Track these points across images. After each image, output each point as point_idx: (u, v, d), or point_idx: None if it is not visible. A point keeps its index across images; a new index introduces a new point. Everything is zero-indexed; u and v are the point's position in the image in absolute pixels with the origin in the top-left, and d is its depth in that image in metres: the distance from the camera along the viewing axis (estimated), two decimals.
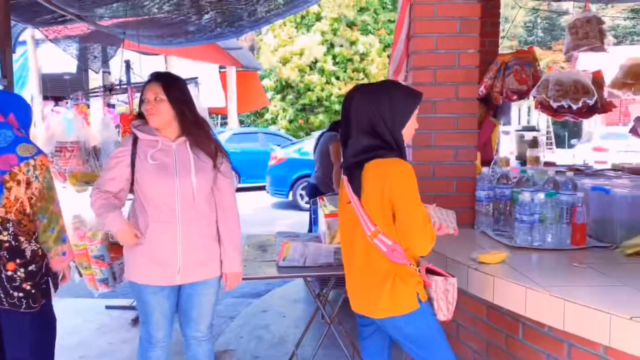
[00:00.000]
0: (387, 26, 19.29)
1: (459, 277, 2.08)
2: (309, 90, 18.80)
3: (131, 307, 4.47)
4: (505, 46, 21.36)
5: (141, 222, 2.43)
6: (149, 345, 2.52)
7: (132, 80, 4.54)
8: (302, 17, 19.19)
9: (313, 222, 4.12)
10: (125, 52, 5.22)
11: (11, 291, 2.33)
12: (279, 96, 19.57)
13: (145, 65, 5.04)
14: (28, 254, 2.36)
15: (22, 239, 2.34)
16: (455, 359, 2.07)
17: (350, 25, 19.29)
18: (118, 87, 4.62)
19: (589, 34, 3.94)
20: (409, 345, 2.05)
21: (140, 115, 2.51)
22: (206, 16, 5.38)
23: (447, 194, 2.91)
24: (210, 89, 13.97)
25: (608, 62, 5.41)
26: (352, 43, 18.93)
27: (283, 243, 3.15)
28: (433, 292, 2.02)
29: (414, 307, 1.98)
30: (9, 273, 2.31)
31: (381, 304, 1.99)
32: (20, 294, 2.34)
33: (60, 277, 2.54)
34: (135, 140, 2.44)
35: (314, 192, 5.24)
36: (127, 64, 4.59)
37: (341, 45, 18.91)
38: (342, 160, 2.13)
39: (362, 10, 19.65)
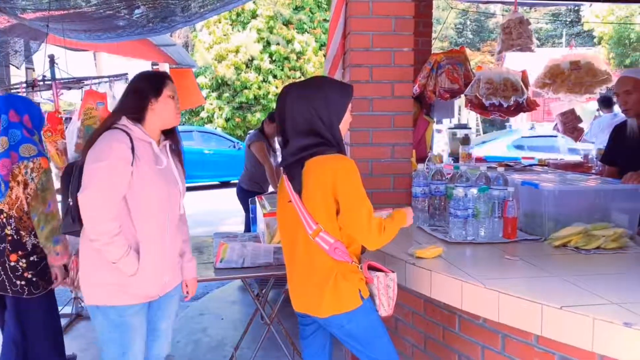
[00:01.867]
0: (322, 25, 19.37)
1: (396, 273, 2.10)
2: (245, 88, 18.59)
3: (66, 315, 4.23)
4: (437, 47, 21.99)
5: (129, 238, 2.09)
6: None
7: (57, 76, 4.31)
8: (238, 14, 18.96)
9: (252, 222, 4.06)
10: (49, 47, 4.93)
11: (14, 279, 2.61)
12: (214, 94, 19.21)
13: (71, 61, 4.80)
14: (29, 246, 2.65)
15: (23, 233, 2.64)
16: (396, 354, 2.09)
17: (286, 23, 19.24)
18: (41, 82, 4.37)
19: (523, 34, 4.11)
20: (352, 343, 2.05)
21: (120, 113, 2.18)
22: (137, 11, 5.19)
23: (385, 191, 2.95)
24: None
25: (532, 62, 5.68)
26: (289, 41, 18.88)
27: (220, 244, 3.07)
28: (375, 288, 2.03)
29: (357, 304, 1.98)
30: (12, 263, 2.61)
31: (324, 302, 1.98)
32: (22, 282, 2.62)
33: (53, 275, 2.72)
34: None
35: (242, 193, 5.21)
36: (52, 59, 4.36)
37: (277, 44, 18.81)
38: (273, 159, 2.10)
39: (297, 8, 19.65)
